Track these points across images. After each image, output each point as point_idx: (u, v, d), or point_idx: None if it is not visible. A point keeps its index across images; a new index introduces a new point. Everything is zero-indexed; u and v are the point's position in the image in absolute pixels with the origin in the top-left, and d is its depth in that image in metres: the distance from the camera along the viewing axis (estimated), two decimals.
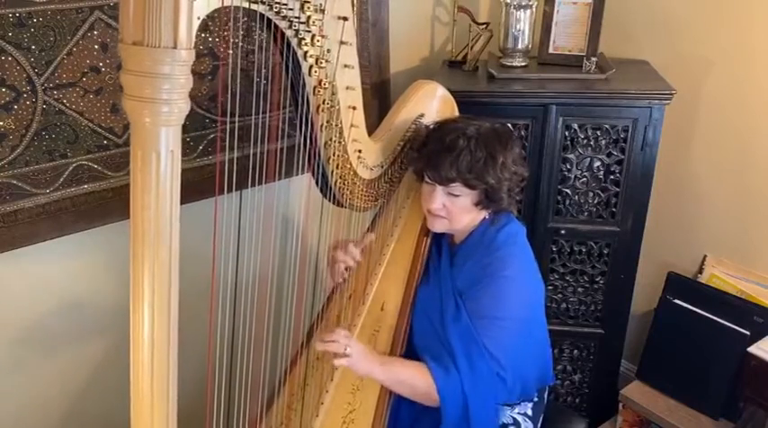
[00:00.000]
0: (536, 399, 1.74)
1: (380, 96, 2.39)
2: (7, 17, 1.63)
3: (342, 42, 1.34)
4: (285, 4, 1.15)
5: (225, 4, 0.97)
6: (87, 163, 1.85)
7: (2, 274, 1.82)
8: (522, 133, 2.18)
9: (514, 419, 1.69)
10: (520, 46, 2.32)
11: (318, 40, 1.26)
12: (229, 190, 1.26)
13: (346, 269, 1.69)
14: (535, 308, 1.66)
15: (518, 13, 2.28)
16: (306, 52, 1.26)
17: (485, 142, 1.53)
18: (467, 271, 1.61)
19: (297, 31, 1.22)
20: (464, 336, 1.52)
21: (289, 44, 1.24)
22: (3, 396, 1.92)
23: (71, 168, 1.83)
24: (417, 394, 1.52)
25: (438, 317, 1.60)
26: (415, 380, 1.50)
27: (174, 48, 0.89)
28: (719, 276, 2.31)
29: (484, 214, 1.64)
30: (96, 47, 1.78)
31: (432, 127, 1.67)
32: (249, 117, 1.42)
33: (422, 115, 1.77)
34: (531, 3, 2.27)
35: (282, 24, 1.19)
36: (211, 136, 2.06)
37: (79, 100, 1.79)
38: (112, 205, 1.91)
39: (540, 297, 1.69)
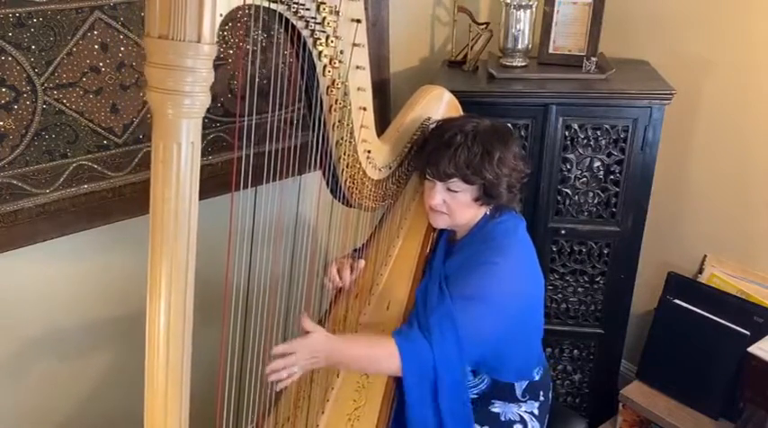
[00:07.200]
0: (542, 398, 1.75)
1: (380, 96, 2.39)
2: (7, 17, 1.62)
3: (354, 44, 1.36)
4: (302, 5, 1.18)
5: (246, 3, 0.99)
6: (87, 163, 1.85)
7: (2, 274, 1.81)
8: (522, 133, 2.18)
9: (521, 417, 1.70)
10: (520, 46, 2.32)
11: (332, 41, 1.28)
12: (236, 188, 1.25)
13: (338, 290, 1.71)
14: (530, 300, 1.65)
15: (518, 13, 2.28)
16: (320, 52, 1.29)
17: (482, 138, 1.56)
18: (459, 261, 1.63)
19: (312, 31, 1.25)
20: (441, 313, 1.50)
21: (304, 44, 1.26)
22: (3, 396, 1.91)
23: (71, 168, 1.82)
24: (381, 365, 1.49)
25: (422, 303, 1.59)
26: (373, 349, 1.48)
27: (198, 42, 0.93)
28: (719, 276, 2.32)
29: (484, 210, 1.65)
30: (96, 47, 1.78)
31: (433, 126, 1.70)
32: (259, 116, 1.41)
33: (429, 118, 1.79)
34: (531, 3, 2.27)
35: (299, 24, 1.21)
36: (211, 136, 2.06)
37: (79, 100, 1.79)
38: (112, 205, 1.91)
39: (537, 289, 1.68)
